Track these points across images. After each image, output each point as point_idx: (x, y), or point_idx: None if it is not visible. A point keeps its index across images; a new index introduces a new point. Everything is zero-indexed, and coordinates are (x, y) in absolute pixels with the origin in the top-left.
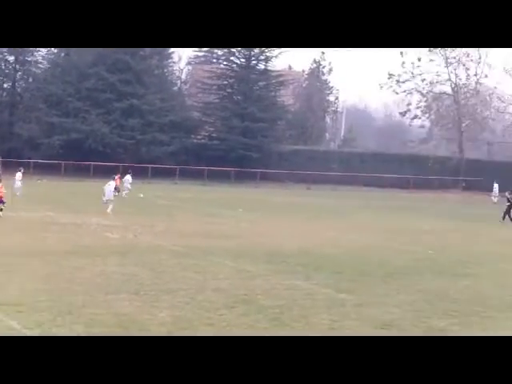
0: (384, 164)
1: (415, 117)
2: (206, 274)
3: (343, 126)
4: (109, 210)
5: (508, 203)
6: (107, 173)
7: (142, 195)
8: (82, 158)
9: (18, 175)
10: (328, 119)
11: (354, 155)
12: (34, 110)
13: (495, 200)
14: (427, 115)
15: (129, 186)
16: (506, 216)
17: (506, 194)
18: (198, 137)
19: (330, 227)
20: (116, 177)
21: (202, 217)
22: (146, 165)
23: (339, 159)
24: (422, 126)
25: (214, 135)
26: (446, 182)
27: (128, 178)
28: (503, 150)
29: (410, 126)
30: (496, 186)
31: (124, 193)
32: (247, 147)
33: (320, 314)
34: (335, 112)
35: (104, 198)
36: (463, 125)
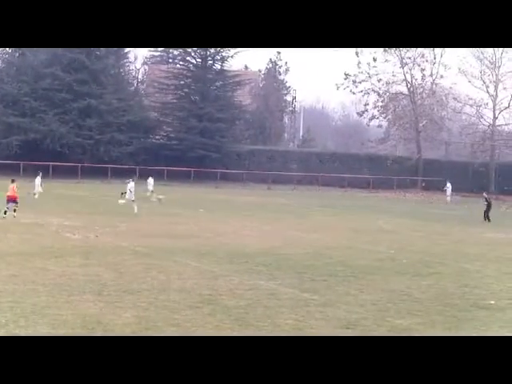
0: (343, 164)
1: (373, 117)
2: (169, 274)
3: (301, 126)
4: (135, 211)
5: (486, 203)
6: (66, 173)
7: (161, 197)
8: (41, 158)
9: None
10: (286, 119)
11: (312, 155)
12: None
13: (448, 200)
14: (384, 115)
15: (151, 188)
16: (487, 215)
17: (484, 194)
18: (157, 137)
19: (292, 227)
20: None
21: (164, 217)
22: (106, 165)
23: (298, 159)
24: (380, 126)
25: (172, 135)
26: (405, 181)
27: (150, 180)
28: (460, 149)
29: (368, 126)
30: (449, 185)
31: (148, 194)
32: (206, 147)
33: (284, 314)
34: (293, 112)
35: (130, 199)
36: (420, 125)
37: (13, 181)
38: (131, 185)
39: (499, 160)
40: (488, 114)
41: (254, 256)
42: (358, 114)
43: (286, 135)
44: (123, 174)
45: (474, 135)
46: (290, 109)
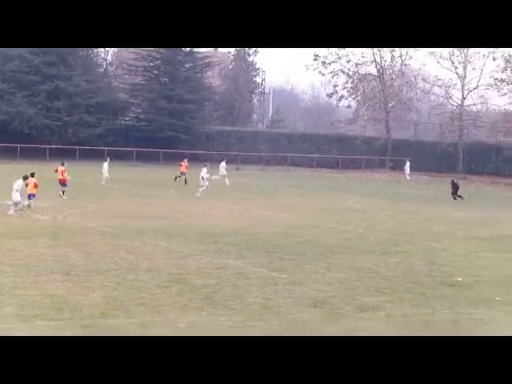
0: (312, 144)
1: (342, 98)
2: (137, 254)
3: (271, 107)
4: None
5: (452, 186)
6: (34, 155)
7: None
8: (9, 140)
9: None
10: (255, 100)
11: (282, 136)
12: None
13: (408, 178)
14: (354, 96)
15: (224, 171)
16: (455, 195)
17: (451, 179)
18: (126, 118)
19: (261, 207)
20: (183, 163)
21: (133, 198)
22: (74, 146)
23: (268, 140)
24: (349, 107)
25: (141, 117)
26: (374, 161)
27: (223, 164)
28: (429, 130)
29: (338, 106)
30: (408, 163)
31: (227, 180)
32: (175, 128)
33: (253, 293)
34: (262, 93)
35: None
36: (389, 105)
37: (62, 164)
38: (204, 171)
39: (467, 140)
40: (457, 94)
41: (223, 236)
42: (327, 95)
43: (255, 116)
44: (92, 156)
45: (443, 115)
46: (260, 90)
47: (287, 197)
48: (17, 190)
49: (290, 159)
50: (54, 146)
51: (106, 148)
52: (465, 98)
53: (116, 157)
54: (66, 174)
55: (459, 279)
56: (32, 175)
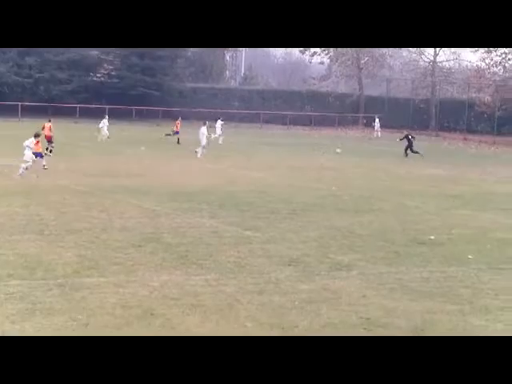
0: (285, 101)
1: (314, 54)
2: (110, 213)
3: (243, 64)
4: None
5: (405, 139)
6: (6, 112)
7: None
8: None
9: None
10: (228, 57)
11: (254, 93)
12: None
13: (379, 135)
14: (326, 52)
15: (220, 131)
16: (408, 150)
17: (404, 131)
18: (98, 75)
19: (234, 165)
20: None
21: (105, 155)
22: (46, 104)
23: (240, 97)
24: (322, 63)
25: (113, 73)
26: (347, 118)
27: (219, 123)
28: (401, 86)
29: (310, 63)
30: (377, 120)
31: (221, 139)
32: (148, 85)
33: (226, 252)
34: (234, 50)
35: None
36: (362, 62)
37: (49, 120)
38: (203, 129)
39: (439, 96)
40: (429, 50)
41: (196, 194)
42: (300, 51)
43: (227, 73)
44: (64, 113)
45: (415, 72)
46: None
47: (260, 155)
48: (30, 149)
49: (263, 116)
50: (25, 103)
51: (78, 105)
52: (437, 54)
53: (88, 114)
54: (52, 131)
55: (432, 237)
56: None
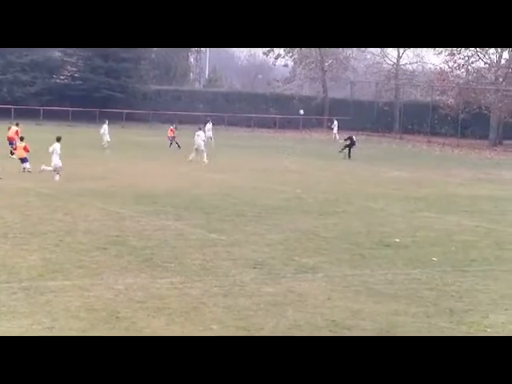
0: (249, 104)
1: (278, 56)
2: (75, 216)
3: (207, 66)
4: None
5: (349, 141)
6: None
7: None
8: None
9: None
10: (192, 59)
11: (219, 95)
12: None
13: (337, 137)
14: (290, 54)
15: (210, 134)
16: (345, 150)
17: (351, 135)
18: (61, 77)
19: (199, 168)
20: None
21: (69, 158)
22: (9, 106)
23: (205, 99)
24: (286, 66)
25: (76, 75)
26: (311, 121)
27: (209, 126)
28: (365, 89)
29: (274, 65)
30: (335, 123)
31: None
32: (111, 87)
33: (192, 254)
34: (198, 52)
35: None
36: (326, 64)
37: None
38: (201, 134)
39: (403, 99)
40: (392, 53)
41: (161, 197)
42: (263, 53)
43: (191, 75)
44: (27, 115)
45: (379, 74)
46: (196, 48)
47: (225, 157)
48: (57, 154)
49: (228, 119)
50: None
51: (41, 107)
52: (400, 57)
53: (51, 116)
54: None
55: (397, 240)
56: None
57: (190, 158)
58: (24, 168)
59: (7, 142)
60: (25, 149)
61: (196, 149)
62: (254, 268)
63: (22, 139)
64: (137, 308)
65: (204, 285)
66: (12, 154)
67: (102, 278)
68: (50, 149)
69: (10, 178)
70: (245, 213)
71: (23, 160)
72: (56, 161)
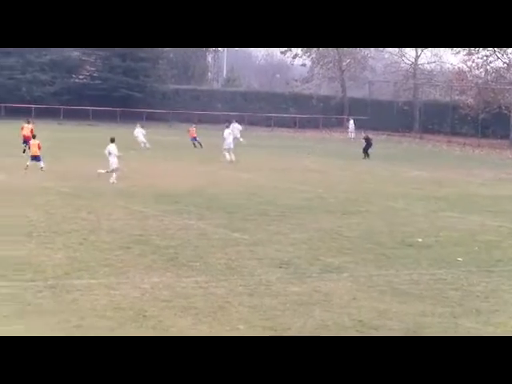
0: (268, 103)
1: (296, 56)
2: (98, 215)
3: (225, 66)
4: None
5: (365, 141)
6: None
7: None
8: None
9: None
10: (209, 58)
11: (237, 94)
12: None
13: (352, 136)
14: (308, 54)
15: (238, 134)
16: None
17: (363, 133)
18: (80, 77)
19: (221, 167)
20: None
21: (90, 157)
22: (29, 105)
23: (223, 98)
24: (304, 65)
25: (95, 75)
26: (331, 120)
27: (236, 125)
28: (384, 88)
29: (292, 64)
30: (351, 122)
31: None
32: (130, 87)
33: (215, 254)
34: (216, 51)
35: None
36: (344, 63)
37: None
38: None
39: (422, 99)
40: (410, 52)
41: (184, 196)
42: (281, 52)
43: (209, 74)
44: (47, 114)
45: (397, 74)
46: (213, 48)
47: (246, 157)
48: (115, 156)
49: (247, 118)
50: (8, 105)
51: (61, 107)
52: (418, 56)
53: (72, 116)
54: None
55: (419, 239)
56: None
57: (228, 158)
58: (41, 167)
59: (22, 141)
60: (38, 146)
61: (227, 148)
62: (280, 267)
63: (34, 137)
64: (163, 307)
65: (229, 284)
66: (25, 151)
67: (127, 276)
68: (106, 151)
69: (30, 176)
70: (267, 212)
71: (36, 158)
72: (113, 162)
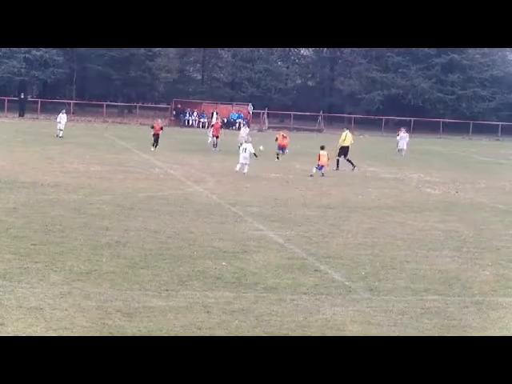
0: None
1: None
2: None
3: None
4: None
5: None
6: (426, 128)
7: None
8: (402, 113)
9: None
10: None
11: None
12: (355, 65)
13: None
14: None
15: None
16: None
17: None
18: None
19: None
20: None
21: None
22: (467, 121)
23: None
24: None
25: None
26: None
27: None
28: None
29: None
30: None
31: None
32: None
33: None
34: None
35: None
36: None
37: (322, 148)
38: None
39: None
40: None
41: None
42: None
43: None
44: (484, 131)
45: None
46: None
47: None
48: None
49: None
50: (446, 120)
51: (499, 123)
52: None
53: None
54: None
55: None
56: (322, 148)
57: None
58: (322, 174)
59: (277, 147)
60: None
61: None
62: None
63: (322, 148)
64: None
65: None
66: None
67: None
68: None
69: (465, 192)
70: None
71: (320, 167)
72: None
